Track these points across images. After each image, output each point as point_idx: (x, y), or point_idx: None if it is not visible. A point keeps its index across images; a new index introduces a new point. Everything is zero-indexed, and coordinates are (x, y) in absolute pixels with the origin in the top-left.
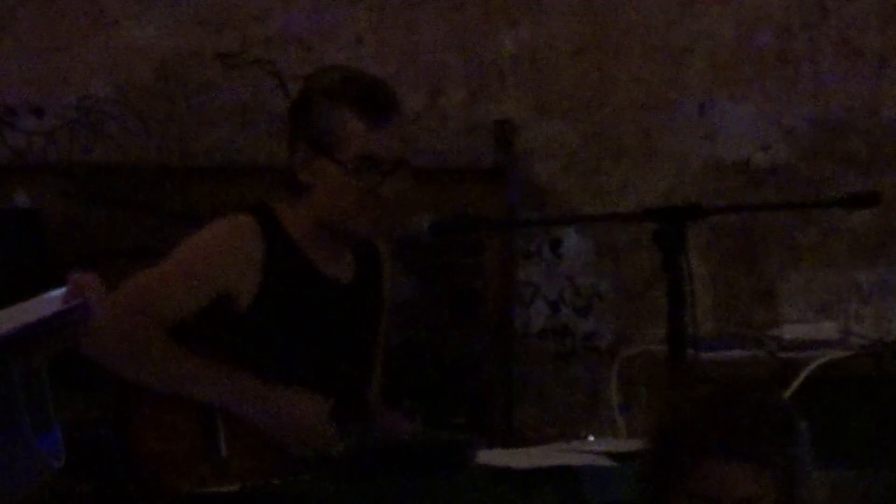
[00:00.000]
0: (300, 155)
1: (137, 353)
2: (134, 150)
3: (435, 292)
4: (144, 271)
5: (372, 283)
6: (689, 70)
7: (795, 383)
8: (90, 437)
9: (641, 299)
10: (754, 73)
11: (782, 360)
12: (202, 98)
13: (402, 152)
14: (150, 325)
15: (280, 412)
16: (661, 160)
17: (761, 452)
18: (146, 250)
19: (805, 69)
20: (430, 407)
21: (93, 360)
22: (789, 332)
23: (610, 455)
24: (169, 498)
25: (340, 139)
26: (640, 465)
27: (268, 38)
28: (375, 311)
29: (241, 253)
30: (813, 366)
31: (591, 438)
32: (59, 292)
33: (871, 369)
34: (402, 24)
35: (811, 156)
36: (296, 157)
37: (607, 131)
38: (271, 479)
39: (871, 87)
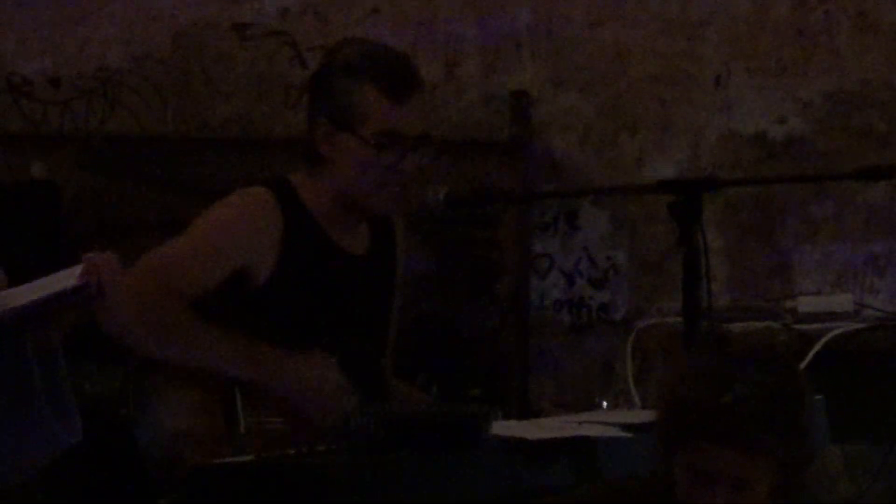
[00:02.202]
0: (321, 129)
1: (160, 328)
2: (150, 121)
3: (451, 265)
4: (163, 247)
5: (386, 255)
6: (706, 43)
7: (810, 355)
8: (110, 416)
9: (657, 271)
10: (770, 46)
11: (797, 333)
12: (218, 69)
13: (423, 127)
14: (172, 300)
15: (300, 377)
16: (677, 133)
17: (752, 442)
18: (162, 224)
19: (821, 42)
20: (446, 379)
21: (114, 338)
22: (804, 304)
23: (625, 426)
24: (184, 469)
25: (362, 114)
26: (651, 433)
27: (284, 9)
28: (390, 282)
29: (260, 227)
30: (827, 338)
31: (605, 405)
32: (73, 270)
33: (885, 342)
34: None
35: (827, 129)
36: (316, 130)
37: (623, 104)
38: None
39: (887, 60)
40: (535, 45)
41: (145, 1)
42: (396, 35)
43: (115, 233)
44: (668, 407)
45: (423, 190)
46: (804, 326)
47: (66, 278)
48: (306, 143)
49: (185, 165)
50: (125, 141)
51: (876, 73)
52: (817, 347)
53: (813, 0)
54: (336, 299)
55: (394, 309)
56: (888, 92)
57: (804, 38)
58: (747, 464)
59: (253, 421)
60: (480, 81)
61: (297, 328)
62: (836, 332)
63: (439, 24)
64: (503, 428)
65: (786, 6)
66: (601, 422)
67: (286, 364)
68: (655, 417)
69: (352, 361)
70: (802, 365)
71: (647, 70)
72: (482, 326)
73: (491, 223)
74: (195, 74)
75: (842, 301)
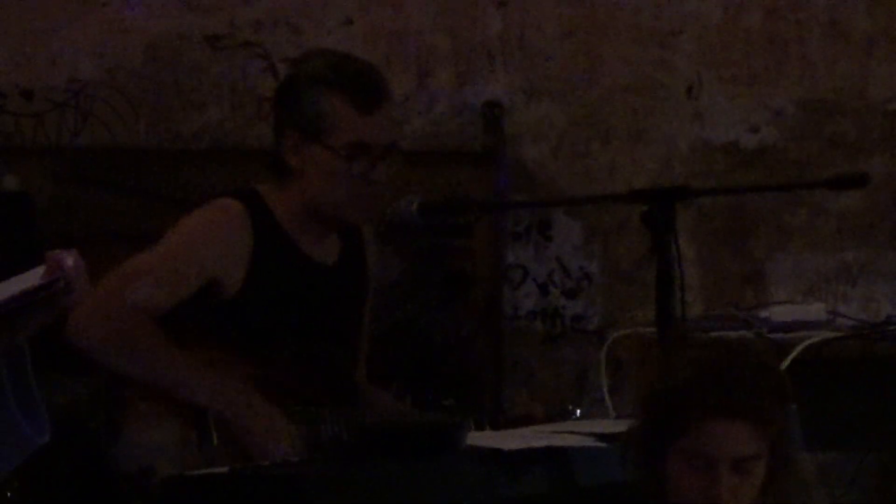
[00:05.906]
0: (290, 140)
1: (125, 346)
2: (123, 133)
3: (424, 274)
4: (132, 260)
5: (356, 265)
6: (678, 52)
7: (783, 365)
8: (78, 428)
9: (630, 281)
10: (742, 54)
11: (770, 342)
12: (191, 80)
13: (392, 137)
14: (139, 317)
15: (256, 418)
16: (650, 142)
17: (761, 411)
18: (135, 233)
19: (793, 51)
20: (419, 388)
21: (82, 354)
22: (777, 313)
23: (599, 436)
24: (158, 482)
25: (332, 126)
26: (630, 433)
27: (256, 21)
28: (360, 291)
29: (230, 239)
30: (801, 347)
31: (578, 413)
32: (37, 269)
33: (858, 351)
34: (390, 6)
35: (799, 137)
36: (285, 142)
37: (596, 113)
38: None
39: (858, 69)
40: (507, 55)
41: (117, 13)
42: (369, 46)
43: (89, 244)
44: (665, 392)
45: (396, 200)
46: (777, 336)
47: (32, 277)
48: (274, 155)
49: (158, 176)
50: (98, 152)
51: (847, 81)
52: (791, 357)
53: (784, 8)
54: (307, 310)
55: (364, 317)
56: (860, 100)
57: (776, 47)
58: (753, 436)
59: (225, 434)
60: (453, 92)
61: (269, 338)
62: (810, 341)
63: (411, 34)
64: (477, 438)
65: (757, 15)
66: (575, 431)
67: (250, 403)
68: (640, 417)
69: (323, 371)
70: None
71: (619, 80)
72: (455, 335)
73: (464, 233)
74: (167, 86)
75: (815, 310)
